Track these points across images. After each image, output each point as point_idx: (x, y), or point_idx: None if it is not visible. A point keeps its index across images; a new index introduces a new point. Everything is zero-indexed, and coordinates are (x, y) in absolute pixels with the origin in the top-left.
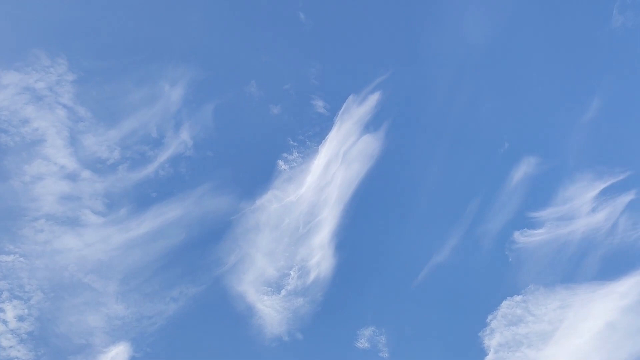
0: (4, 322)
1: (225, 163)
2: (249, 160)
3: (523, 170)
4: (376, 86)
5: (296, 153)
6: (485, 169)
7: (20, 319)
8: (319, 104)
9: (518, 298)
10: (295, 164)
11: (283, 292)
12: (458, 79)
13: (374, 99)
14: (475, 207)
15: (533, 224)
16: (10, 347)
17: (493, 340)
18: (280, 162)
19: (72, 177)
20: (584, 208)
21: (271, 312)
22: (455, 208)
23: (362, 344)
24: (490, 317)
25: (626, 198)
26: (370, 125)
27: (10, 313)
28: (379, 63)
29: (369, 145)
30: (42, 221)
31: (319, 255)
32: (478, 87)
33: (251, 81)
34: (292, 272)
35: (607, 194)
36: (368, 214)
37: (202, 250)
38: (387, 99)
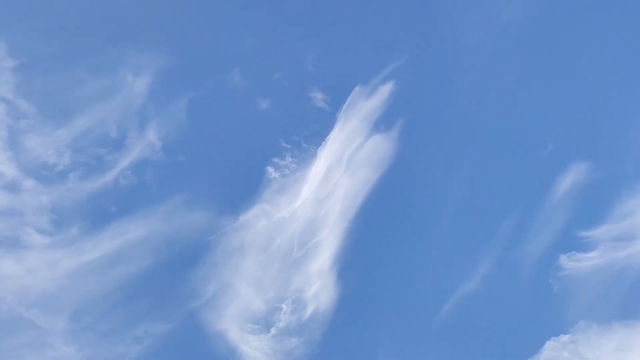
0: None
1: (201, 170)
2: (230, 166)
3: (571, 178)
4: (388, 75)
5: (289, 158)
6: (524, 177)
7: None
8: (318, 97)
9: (565, 338)
10: (288, 171)
11: (273, 330)
12: (490, 66)
13: (385, 90)
14: (512, 225)
15: (584, 246)
16: None
17: None
18: (270, 169)
19: (11, 187)
20: None
21: (258, 355)
22: (487, 226)
23: None
24: None
25: None
26: (381, 123)
27: None
28: (392, 47)
29: (380, 148)
30: None
31: (318, 285)
32: (515, 75)
33: (234, 69)
34: (284, 306)
35: None
36: (378, 233)
37: (173, 279)
38: (402, 91)
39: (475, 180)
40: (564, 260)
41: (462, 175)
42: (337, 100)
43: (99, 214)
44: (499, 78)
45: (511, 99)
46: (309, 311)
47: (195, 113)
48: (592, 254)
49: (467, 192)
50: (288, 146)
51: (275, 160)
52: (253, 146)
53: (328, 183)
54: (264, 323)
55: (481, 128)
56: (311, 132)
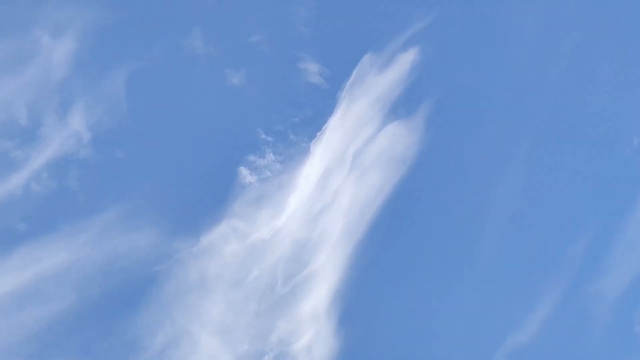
0: None
1: (146, 172)
2: (188, 167)
3: None
4: (409, 39)
5: (271, 155)
6: (600, 184)
7: None
8: (312, 70)
9: None
10: (269, 174)
11: None
12: (551, 30)
13: (405, 60)
14: (582, 251)
15: None
16: None
17: None
18: (244, 171)
19: None
20: None
21: None
22: (547, 252)
23: None
24: None
25: None
26: (400, 107)
27: None
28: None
29: (398, 142)
30: None
31: (311, 334)
32: (586, 42)
33: (193, 29)
34: None
35: None
36: (395, 262)
37: (107, 324)
38: (428, 62)
39: (530, 188)
40: None
41: (512, 181)
42: (339, 75)
43: (2, 233)
44: (564, 47)
45: (582, 77)
46: None
47: (139, 92)
48: None
49: (519, 205)
50: (269, 139)
51: (251, 158)
52: (220, 138)
53: (325, 191)
54: None
55: (540, 116)
56: (302, 118)
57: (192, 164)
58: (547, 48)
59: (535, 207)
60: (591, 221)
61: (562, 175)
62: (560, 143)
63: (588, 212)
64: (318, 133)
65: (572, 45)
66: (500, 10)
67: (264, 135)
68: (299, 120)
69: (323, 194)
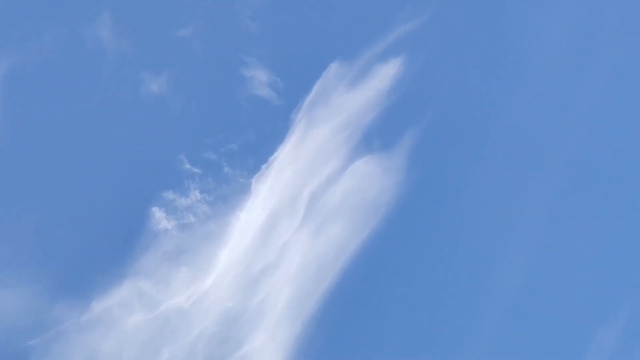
0: None
1: (22, 208)
2: (81, 203)
3: None
4: (391, 46)
5: (197, 192)
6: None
7: None
8: (260, 78)
9: None
10: (193, 219)
11: None
12: (570, 43)
13: (384, 74)
14: (613, 333)
15: None
16: None
17: None
18: (157, 213)
19: None
20: None
21: None
22: (572, 334)
23: None
24: None
25: None
26: (374, 137)
27: None
28: None
29: (369, 184)
30: None
31: None
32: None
33: (100, 14)
34: None
35: None
36: (358, 346)
37: None
38: (415, 78)
39: (541, 262)
40: None
41: (520, 247)
42: (296, 88)
43: None
44: (580, 58)
45: (601, 95)
46: None
47: (17, 97)
48: None
49: (532, 271)
50: (195, 170)
51: (169, 195)
52: (127, 166)
53: (269, 246)
54: None
55: (556, 156)
56: (242, 145)
57: (86, 199)
58: (564, 62)
59: (549, 272)
60: (627, 293)
61: (580, 227)
62: (576, 182)
63: (621, 281)
64: (263, 166)
65: (587, 54)
66: (509, 8)
67: (188, 166)
68: (238, 147)
69: (265, 249)
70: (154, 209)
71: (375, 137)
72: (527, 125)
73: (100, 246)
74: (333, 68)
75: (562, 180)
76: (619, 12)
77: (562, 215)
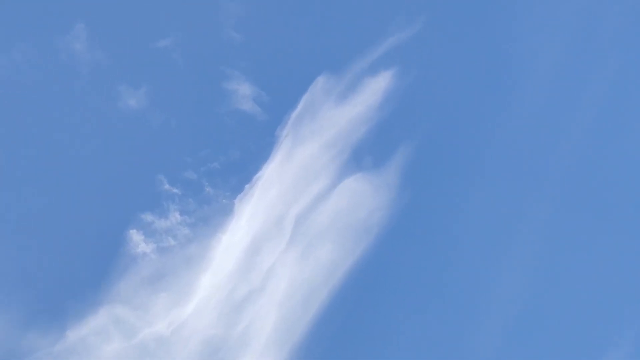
0: None
1: None
2: (54, 225)
3: None
4: (382, 58)
5: (177, 214)
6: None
7: None
8: (243, 92)
9: None
10: (172, 242)
11: None
12: (571, 54)
13: (375, 88)
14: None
15: None
16: None
17: None
18: (135, 235)
19: None
20: None
21: None
22: None
23: None
24: None
25: None
26: (365, 154)
27: None
28: (392, 5)
29: (359, 203)
30: None
31: None
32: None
33: (75, 25)
34: None
35: None
36: None
37: None
38: (408, 91)
39: (542, 271)
40: None
41: (522, 258)
42: (281, 102)
43: None
44: (581, 70)
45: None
46: None
47: None
48: None
49: (529, 295)
50: (175, 191)
51: (147, 217)
52: (103, 186)
53: (253, 270)
54: None
55: (555, 172)
56: (224, 164)
57: (59, 221)
58: (561, 75)
59: (541, 315)
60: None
61: (590, 249)
62: (577, 218)
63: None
64: (247, 186)
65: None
66: (505, 17)
67: (167, 186)
68: (220, 165)
69: (250, 274)
70: (131, 231)
71: (365, 153)
72: (526, 140)
73: (75, 271)
74: (320, 81)
75: (560, 200)
76: (613, 35)
77: (560, 236)
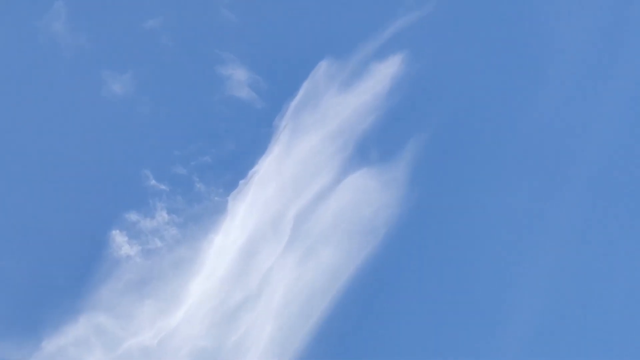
0: None
1: None
2: (30, 225)
3: None
4: (390, 41)
5: (164, 213)
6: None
7: None
8: (238, 78)
9: None
10: (159, 244)
11: None
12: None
13: (382, 73)
14: None
15: None
16: None
17: None
18: (118, 236)
19: None
20: None
21: None
22: None
23: None
24: None
25: None
26: (371, 146)
27: None
28: None
29: (365, 201)
30: None
31: None
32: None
33: (54, 3)
34: None
35: None
36: None
37: None
38: (418, 77)
39: (560, 274)
40: None
41: (540, 262)
42: (280, 89)
43: None
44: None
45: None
46: None
47: None
48: None
49: (547, 300)
50: (162, 187)
51: (132, 216)
52: (84, 182)
53: (249, 275)
54: None
55: (571, 152)
56: (217, 157)
57: (35, 221)
58: (583, 60)
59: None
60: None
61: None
62: (598, 223)
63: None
64: (241, 182)
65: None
66: (512, 12)
67: (153, 181)
68: (212, 159)
69: (245, 279)
70: (114, 232)
71: (372, 146)
72: (547, 134)
73: (52, 275)
74: (323, 66)
75: (579, 200)
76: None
77: (579, 237)
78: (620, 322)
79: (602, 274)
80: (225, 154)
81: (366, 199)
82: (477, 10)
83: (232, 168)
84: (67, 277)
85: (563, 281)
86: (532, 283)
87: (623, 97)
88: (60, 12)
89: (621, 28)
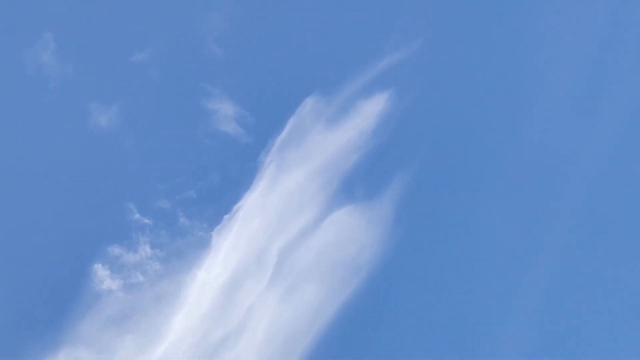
0: None
1: None
2: (11, 257)
3: None
4: (377, 79)
5: (147, 247)
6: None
7: None
8: (225, 112)
9: None
10: (142, 278)
11: None
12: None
13: (369, 111)
14: None
15: None
16: None
17: None
18: (100, 270)
19: None
20: None
21: None
22: None
23: None
24: None
25: None
26: (356, 184)
27: None
28: (390, 21)
29: (349, 238)
30: None
31: None
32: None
33: (42, 34)
34: None
35: None
36: None
37: None
38: (405, 115)
39: (549, 312)
40: None
41: (526, 299)
42: (266, 125)
43: None
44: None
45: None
46: None
47: None
48: None
49: (537, 336)
50: (146, 221)
51: (115, 250)
52: (66, 215)
53: (231, 311)
54: None
55: (557, 191)
56: (201, 192)
57: (16, 253)
58: (568, 99)
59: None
60: None
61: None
62: (585, 251)
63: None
64: (225, 217)
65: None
66: (508, 37)
67: (137, 215)
68: (197, 194)
69: (227, 315)
70: (96, 265)
71: (357, 183)
72: (529, 167)
73: (32, 308)
74: (309, 103)
75: (567, 243)
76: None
77: (568, 282)
78: (620, 322)
79: (602, 275)
80: (210, 188)
81: (350, 236)
82: (462, 50)
83: (217, 203)
84: (48, 310)
85: (551, 324)
86: (522, 329)
87: (612, 129)
88: (49, 43)
89: (606, 80)
